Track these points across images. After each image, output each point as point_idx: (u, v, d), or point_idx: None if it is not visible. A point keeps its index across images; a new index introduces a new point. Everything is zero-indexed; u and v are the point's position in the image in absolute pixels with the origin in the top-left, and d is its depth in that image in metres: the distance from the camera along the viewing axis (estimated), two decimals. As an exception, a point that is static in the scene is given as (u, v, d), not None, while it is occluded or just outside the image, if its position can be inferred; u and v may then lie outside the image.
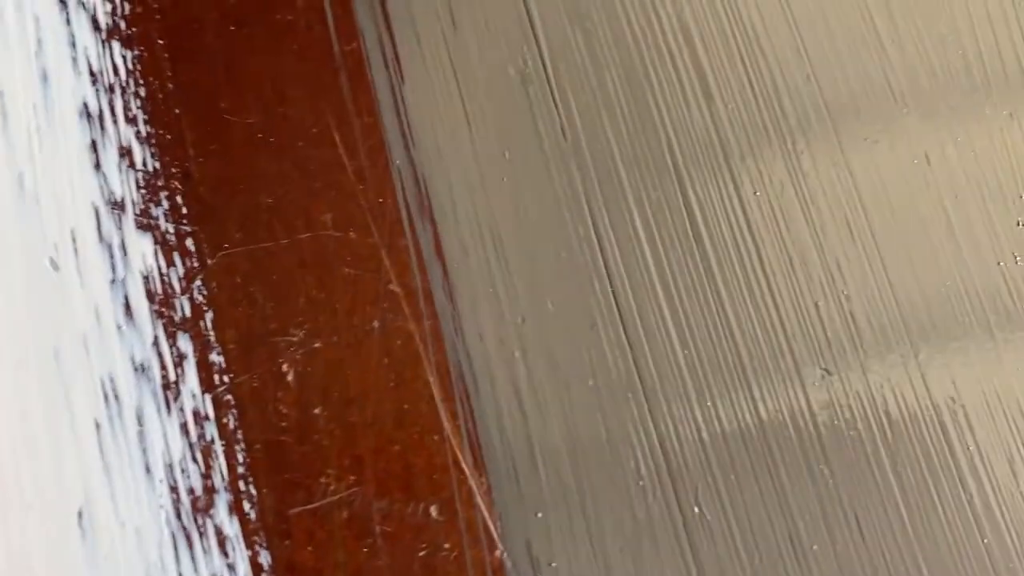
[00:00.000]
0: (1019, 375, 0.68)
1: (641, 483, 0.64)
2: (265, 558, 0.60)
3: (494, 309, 0.65)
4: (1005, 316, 0.69)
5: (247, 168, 0.65)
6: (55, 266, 0.60)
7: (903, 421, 0.67)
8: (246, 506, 0.60)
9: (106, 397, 0.61)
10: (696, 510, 0.64)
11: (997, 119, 0.72)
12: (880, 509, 0.66)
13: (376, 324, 0.63)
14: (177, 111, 0.65)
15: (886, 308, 0.69)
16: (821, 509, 0.65)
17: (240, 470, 0.61)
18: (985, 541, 0.66)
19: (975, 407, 0.68)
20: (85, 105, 0.65)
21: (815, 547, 0.65)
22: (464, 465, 0.62)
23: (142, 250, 0.63)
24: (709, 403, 0.66)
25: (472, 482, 0.62)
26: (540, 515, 0.63)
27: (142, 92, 0.66)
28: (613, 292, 0.67)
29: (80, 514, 0.55)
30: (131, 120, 0.65)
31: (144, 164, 0.64)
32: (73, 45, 0.66)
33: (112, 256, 0.63)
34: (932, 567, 0.65)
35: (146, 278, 0.63)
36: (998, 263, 0.70)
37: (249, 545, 0.60)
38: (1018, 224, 0.71)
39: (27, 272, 0.59)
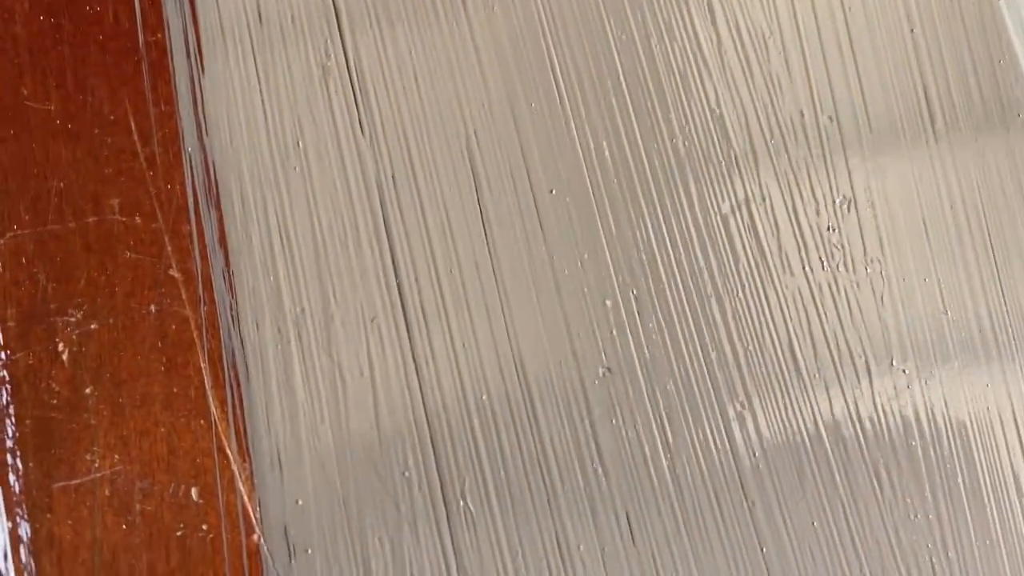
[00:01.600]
0: (813, 384, 0.67)
1: (407, 475, 0.64)
2: (25, 530, 0.61)
3: (274, 298, 0.66)
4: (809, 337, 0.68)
5: (43, 153, 0.67)
6: None
7: (685, 422, 0.66)
8: (11, 478, 0.62)
9: None
10: (461, 503, 0.64)
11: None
12: (654, 511, 0.65)
13: (153, 308, 0.64)
14: (-19, 97, 0.67)
15: (674, 304, 0.68)
16: (591, 508, 0.65)
17: (9, 443, 0.63)
18: (764, 550, 0.65)
19: (768, 407, 0.67)
20: None
21: (581, 547, 0.64)
22: (228, 451, 0.63)
23: (-64, 230, 0.65)
24: (484, 397, 0.66)
25: (235, 467, 0.63)
26: (300, 503, 0.63)
27: (-50, 78, 0.68)
28: (399, 287, 0.67)
29: None
30: (-63, 105, 0.67)
31: (-54, 147, 0.67)
32: None
33: (-93, 234, 0.65)
34: (705, 573, 0.65)
35: (-63, 257, 0.65)
36: (804, 267, 0.69)
37: (10, 517, 0.61)
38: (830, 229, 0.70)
39: None
